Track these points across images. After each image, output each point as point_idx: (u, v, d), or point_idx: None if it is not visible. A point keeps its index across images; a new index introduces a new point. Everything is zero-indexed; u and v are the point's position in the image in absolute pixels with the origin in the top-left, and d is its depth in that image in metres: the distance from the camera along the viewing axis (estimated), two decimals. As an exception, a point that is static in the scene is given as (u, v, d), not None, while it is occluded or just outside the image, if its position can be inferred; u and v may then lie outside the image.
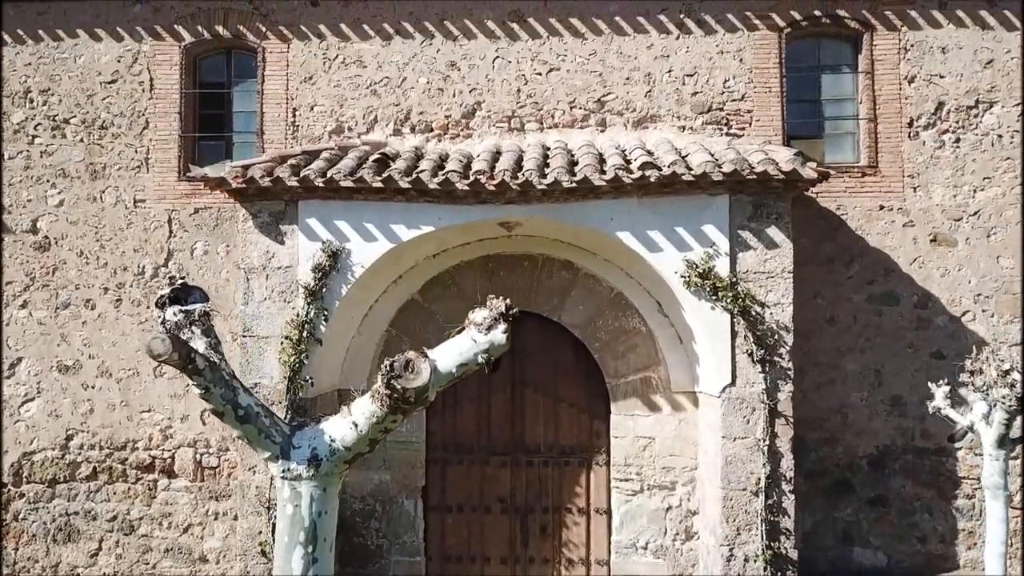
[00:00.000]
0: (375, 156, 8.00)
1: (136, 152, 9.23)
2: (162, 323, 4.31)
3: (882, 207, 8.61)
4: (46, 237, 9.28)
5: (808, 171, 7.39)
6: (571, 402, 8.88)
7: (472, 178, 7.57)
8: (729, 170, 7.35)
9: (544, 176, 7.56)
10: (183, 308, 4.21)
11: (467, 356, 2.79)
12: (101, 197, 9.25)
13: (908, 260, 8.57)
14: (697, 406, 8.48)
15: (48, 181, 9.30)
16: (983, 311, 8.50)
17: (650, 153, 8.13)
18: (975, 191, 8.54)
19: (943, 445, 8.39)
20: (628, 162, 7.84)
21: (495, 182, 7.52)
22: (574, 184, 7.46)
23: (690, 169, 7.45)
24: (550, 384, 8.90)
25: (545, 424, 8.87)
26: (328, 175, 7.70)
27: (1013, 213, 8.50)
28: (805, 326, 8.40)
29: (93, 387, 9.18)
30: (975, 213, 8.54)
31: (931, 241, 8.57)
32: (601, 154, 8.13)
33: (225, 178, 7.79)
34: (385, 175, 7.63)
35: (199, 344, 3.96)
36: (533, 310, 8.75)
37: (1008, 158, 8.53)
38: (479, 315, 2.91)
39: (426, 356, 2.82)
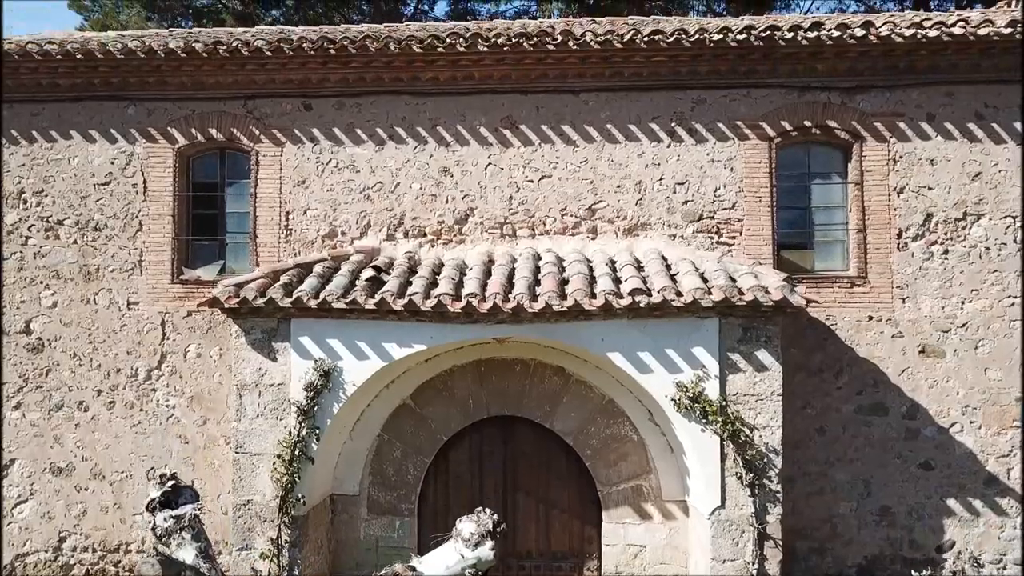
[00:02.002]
0: (368, 275, 8.04)
1: (129, 254, 9.26)
2: (152, 529, 4.34)
3: (871, 318, 8.67)
4: (39, 338, 9.30)
5: (797, 298, 7.45)
6: (562, 508, 8.92)
7: (465, 301, 7.62)
8: (719, 298, 7.41)
9: (535, 299, 7.62)
10: (173, 514, 4.25)
11: (454, 571, 2.81)
12: (94, 299, 9.27)
13: (897, 371, 8.64)
14: (688, 515, 8.54)
15: (42, 282, 9.32)
16: (971, 423, 8.57)
17: (640, 268, 8.21)
18: (963, 303, 8.61)
19: (931, 555, 8.47)
20: (618, 280, 7.92)
21: (487, 306, 7.57)
22: (565, 308, 7.52)
23: (680, 295, 7.51)
24: (542, 489, 8.94)
25: (537, 529, 8.91)
26: (321, 297, 7.74)
27: (1000, 325, 8.58)
28: (795, 436, 8.48)
29: (86, 489, 9.20)
30: (963, 325, 8.61)
31: (920, 352, 8.64)
32: (592, 269, 8.19)
33: (218, 298, 7.83)
34: (378, 298, 7.68)
35: (189, 552, 3.99)
36: (525, 415, 8.82)
37: (995, 271, 8.60)
38: (467, 528, 2.94)
39: (413, 569, 2.85)
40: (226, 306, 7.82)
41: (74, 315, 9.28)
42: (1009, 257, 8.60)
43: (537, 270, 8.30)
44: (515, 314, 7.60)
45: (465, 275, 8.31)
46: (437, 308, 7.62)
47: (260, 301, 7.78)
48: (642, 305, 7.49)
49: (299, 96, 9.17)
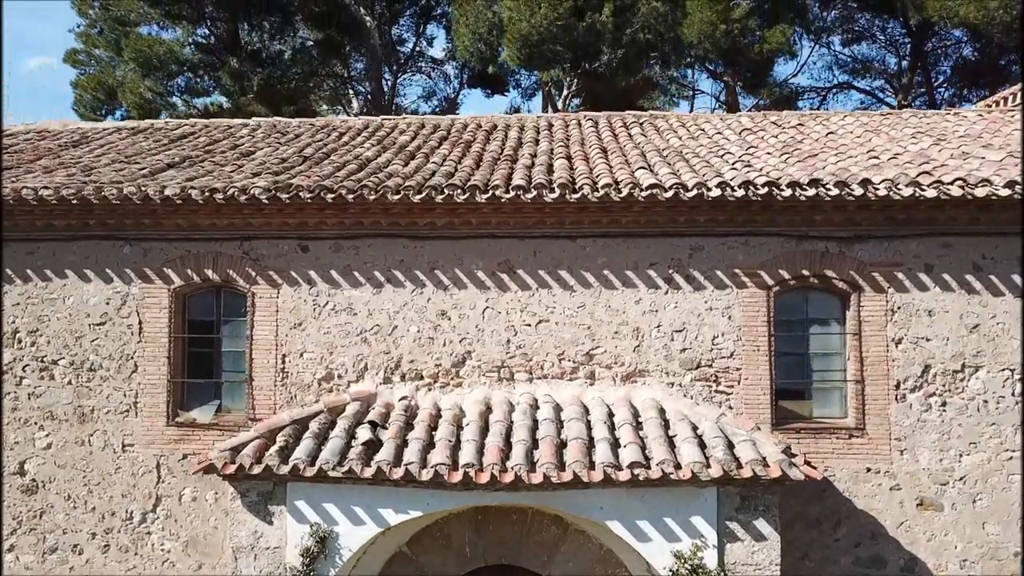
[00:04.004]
0: (364, 437, 8.00)
1: (125, 395, 9.21)
2: None
3: (869, 469, 8.66)
4: (34, 480, 9.24)
5: (796, 472, 7.43)
6: (560, 658, 8.86)
7: (462, 472, 7.59)
8: (718, 474, 7.39)
9: (533, 470, 7.60)
10: None
11: None
12: (89, 440, 9.22)
13: (895, 523, 8.62)
14: (686, 669, 8.48)
15: (36, 423, 9.27)
16: (969, 577, 8.56)
17: (639, 426, 8.19)
18: (961, 456, 8.60)
19: None
20: (617, 444, 7.89)
21: (485, 477, 7.54)
22: (564, 481, 7.50)
23: (679, 468, 7.49)
24: (539, 638, 8.88)
25: None
26: (317, 465, 7.70)
27: (999, 479, 8.56)
28: (793, 588, 8.45)
29: (80, 634, 9.14)
30: (961, 478, 8.59)
31: (918, 505, 8.62)
32: (590, 428, 8.16)
33: (215, 464, 7.79)
34: (375, 467, 7.64)
35: None
36: (522, 564, 8.76)
37: (993, 424, 8.59)
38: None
39: None
40: (223, 473, 7.78)
41: (69, 457, 9.22)
42: (1007, 411, 8.59)
43: (535, 426, 8.26)
44: (513, 484, 7.57)
45: (462, 430, 8.28)
46: (435, 479, 7.59)
47: (257, 469, 7.74)
48: (641, 479, 7.47)
49: (296, 238, 9.14)
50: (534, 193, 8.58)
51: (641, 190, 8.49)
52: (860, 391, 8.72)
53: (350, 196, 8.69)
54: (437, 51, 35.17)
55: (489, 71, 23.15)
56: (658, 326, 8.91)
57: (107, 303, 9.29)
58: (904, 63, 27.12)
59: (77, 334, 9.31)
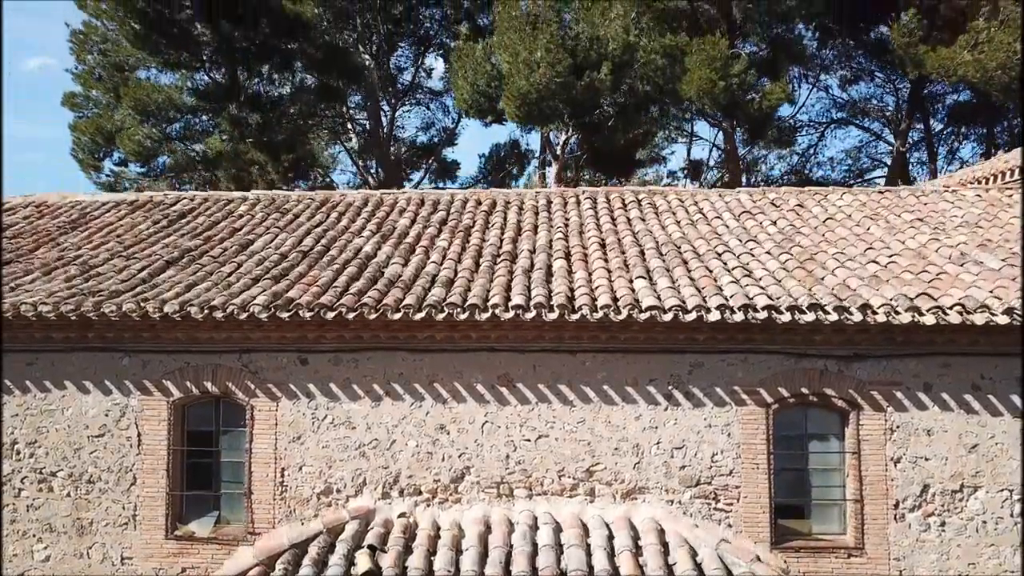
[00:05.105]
0: (364, 567, 7.98)
1: (123, 508, 9.19)
2: None
3: (869, 589, 8.66)
4: (31, 593, 9.22)
5: (795, 610, 7.43)
6: None
7: (461, 607, 7.59)
8: (717, 612, 7.39)
9: (533, 604, 7.60)
10: None
11: None
12: (88, 553, 9.20)
13: (895, 644, 8.62)
14: None
15: (34, 535, 9.25)
16: None
17: (638, 551, 8.18)
18: (960, 577, 8.61)
19: None
20: (617, 574, 7.88)
21: (484, 613, 7.54)
22: (563, 617, 7.50)
23: (678, 603, 7.49)
24: None
25: None
26: (316, 599, 7.70)
27: (998, 601, 8.57)
28: None
29: None
30: (960, 599, 8.60)
31: (917, 626, 8.63)
32: (590, 554, 8.15)
33: (213, 596, 7.78)
34: (373, 602, 7.63)
35: None
36: None
37: (992, 545, 8.59)
38: None
39: None
40: (221, 605, 7.78)
41: (67, 570, 9.20)
42: (1006, 531, 8.59)
43: (535, 551, 8.25)
44: (513, 618, 7.57)
45: (462, 555, 8.27)
46: (434, 613, 7.60)
47: (255, 601, 7.74)
48: (640, 614, 7.48)
49: (295, 351, 9.13)
50: (534, 313, 8.58)
51: (640, 311, 8.49)
52: (859, 510, 8.72)
53: (350, 315, 8.69)
54: (435, 81, 35.07)
55: (488, 121, 23.12)
56: (658, 443, 8.91)
57: (106, 415, 9.28)
58: (903, 104, 27.18)
59: (76, 446, 9.29)
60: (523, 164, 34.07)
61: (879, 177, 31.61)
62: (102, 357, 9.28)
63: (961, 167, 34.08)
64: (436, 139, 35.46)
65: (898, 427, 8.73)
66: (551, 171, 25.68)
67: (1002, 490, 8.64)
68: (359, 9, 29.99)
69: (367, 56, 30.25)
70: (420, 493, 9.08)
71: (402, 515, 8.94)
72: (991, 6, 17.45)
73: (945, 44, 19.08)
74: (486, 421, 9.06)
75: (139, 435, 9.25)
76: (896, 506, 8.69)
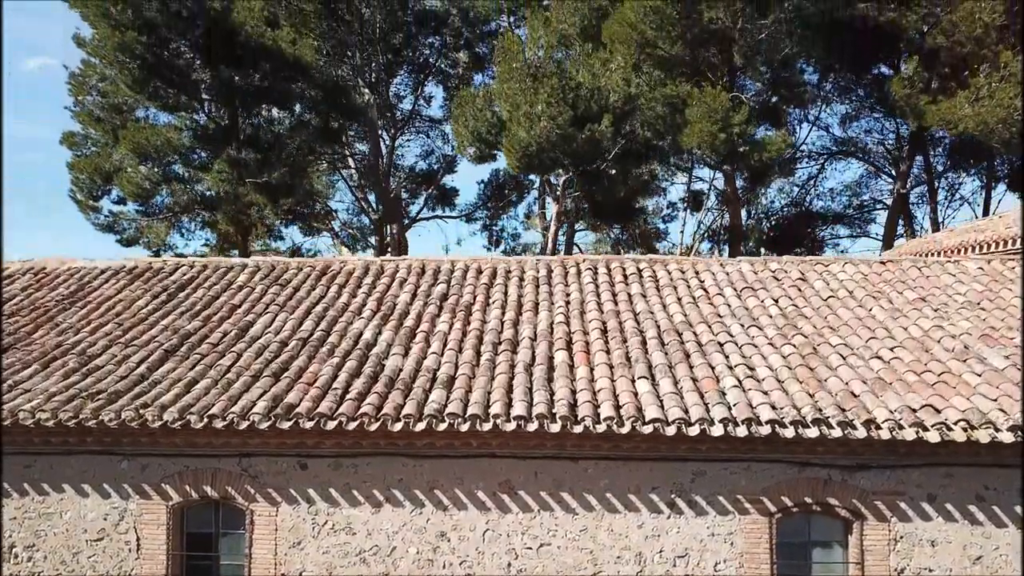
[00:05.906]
0: None
1: (122, 614, 9.12)
2: None
3: None
4: None
5: None
6: None
7: None
8: None
9: None
10: None
11: None
12: (85, 660, 9.13)
13: None
14: None
15: (32, 641, 9.17)
16: None
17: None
18: None
19: None
20: None
21: None
22: None
23: None
24: None
25: None
26: None
27: None
28: None
29: None
30: None
31: None
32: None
33: None
34: None
35: None
36: None
37: (997, 657, 8.55)
38: None
39: None
40: None
41: (64, 676, 9.13)
42: (1011, 645, 8.55)
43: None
44: None
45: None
46: None
47: None
48: None
49: (295, 456, 9.08)
50: (536, 424, 8.53)
51: (644, 423, 8.44)
52: (865, 625, 8.67)
53: (351, 425, 8.64)
54: (434, 109, 35.11)
55: (487, 166, 23.11)
56: (660, 551, 8.86)
57: (105, 519, 9.21)
58: (904, 144, 27.17)
59: (74, 550, 9.23)
60: (522, 193, 34.10)
61: (880, 210, 31.67)
62: (101, 460, 9.22)
63: (962, 205, 34.12)
64: (436, 166, 35.47)
65: (902, 537, 8.68)
66: (551, 209, 25.63)
67: (1006, 603, 8.59)
68: (359, 42, 30.02)
69: (366, 89, 30.23)
70: (420, 601, 9.02)
71: (403, 624, 8.88)
72: (991, 61, 17.45)
73: (946, 94, 19.08)
74: (487, 528, 9.00)
75: (138, 539, 9.18)
76: (900, 625, 8.64)
